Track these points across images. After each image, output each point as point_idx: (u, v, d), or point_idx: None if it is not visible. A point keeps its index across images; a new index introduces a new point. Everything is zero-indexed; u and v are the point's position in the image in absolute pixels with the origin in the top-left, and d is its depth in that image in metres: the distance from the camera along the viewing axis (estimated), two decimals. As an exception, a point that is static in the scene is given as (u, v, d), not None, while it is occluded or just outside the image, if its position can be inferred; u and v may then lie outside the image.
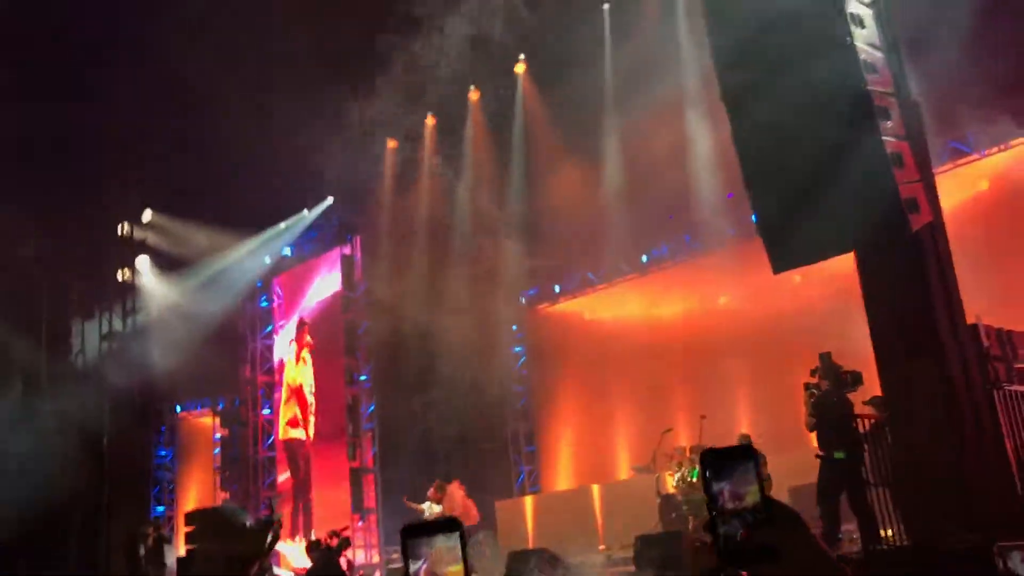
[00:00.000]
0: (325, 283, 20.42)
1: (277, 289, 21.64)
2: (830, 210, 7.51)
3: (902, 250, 7.61)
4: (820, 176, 7.22)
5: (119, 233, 18.42)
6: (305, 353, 20.40)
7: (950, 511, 6.66)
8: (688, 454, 13.41)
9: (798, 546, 1.19)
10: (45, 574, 15.06)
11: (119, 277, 18.49)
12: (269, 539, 13.44)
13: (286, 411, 20.80)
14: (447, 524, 1.33)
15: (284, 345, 21.13)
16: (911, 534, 7.74)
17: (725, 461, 1.24)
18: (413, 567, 1.31)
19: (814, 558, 1.19)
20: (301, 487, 19.95)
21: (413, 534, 1.32)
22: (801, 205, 7.70)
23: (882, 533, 8.53)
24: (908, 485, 7.78)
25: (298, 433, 20.34)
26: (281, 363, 21.14)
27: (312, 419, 20.18)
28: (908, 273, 7.67)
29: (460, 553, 1.31)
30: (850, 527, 8.76)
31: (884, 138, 7.21)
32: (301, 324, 20.52)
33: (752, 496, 1.22)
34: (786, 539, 1.19)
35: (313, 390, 20.23)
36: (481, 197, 17.48)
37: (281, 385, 21.03)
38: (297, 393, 20.56)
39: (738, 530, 1.21)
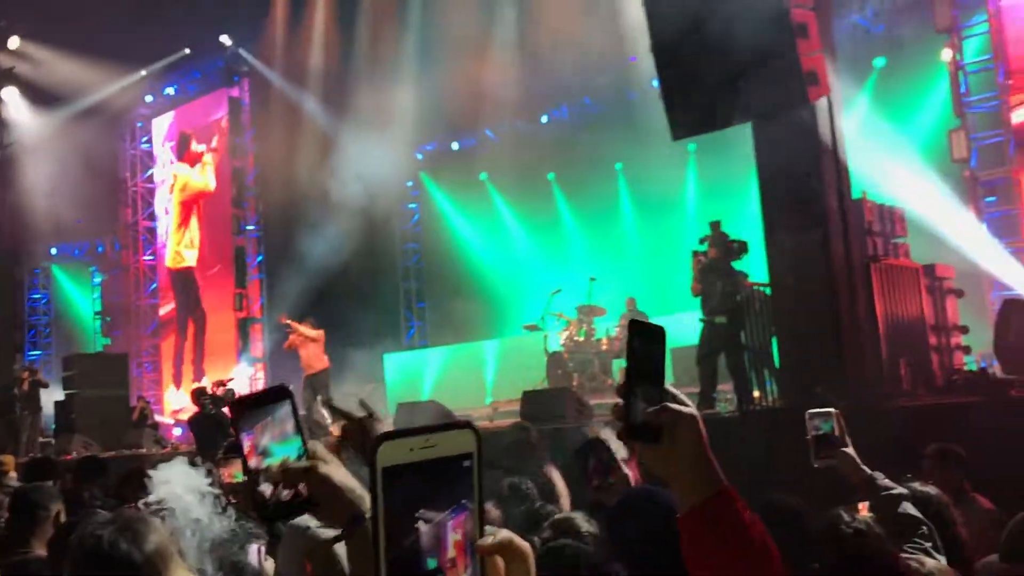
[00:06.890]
0: (210, 127, 19.48)
1: (157, 130, 20.53)
2: (731, 79, 7.46)
3: (797, 122, 7.66)
4: (724, 43, 7.11)
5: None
6: (208, 158, 19.42)
7: (820, 377, 6.99)
8: (577, 314, 13.69)
9: (683, 428, 1.20)
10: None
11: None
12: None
13: (177, 235, 20.05)
14: (277, 393, 1.26)
15: (165, 170, 20.32)
16: (783, 396, 8.14)
17: (644, 337, 1.21)
18: (245, 441, 1.24)
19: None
20: (194, 319, 19.47)
21: (243, 408, 1.25)
22: (704, 72, 7.63)
23: (755, 394, 8.93)
24: (783, 351, 8.11)
25: (191, 256, 19.74)
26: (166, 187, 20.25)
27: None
28: (801, 145, 7.74)
29: (293, 424, 1.26)
30: (725, 388, 9.13)
31: (792, 7, 7.13)
32: (184, 137, 19.60)
33: (658, 376, 1.22)
34: (675, 422, 1.20)
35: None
36: (379, 42, 16.67)
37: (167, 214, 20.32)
38: (191, 205, 19.79)
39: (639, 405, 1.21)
